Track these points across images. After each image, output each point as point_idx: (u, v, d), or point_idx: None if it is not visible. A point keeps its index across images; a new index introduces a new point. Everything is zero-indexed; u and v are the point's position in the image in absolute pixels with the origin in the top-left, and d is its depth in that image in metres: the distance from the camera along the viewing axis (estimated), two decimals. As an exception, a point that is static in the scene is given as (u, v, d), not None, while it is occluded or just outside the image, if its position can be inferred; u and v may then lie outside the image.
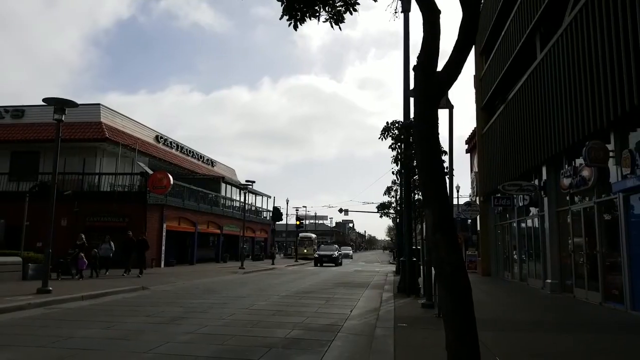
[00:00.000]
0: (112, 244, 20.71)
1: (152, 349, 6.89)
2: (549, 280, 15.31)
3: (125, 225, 26.28)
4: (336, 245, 50.66)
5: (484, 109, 24.36)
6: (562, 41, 13.36)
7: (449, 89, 4.76)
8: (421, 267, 14.79)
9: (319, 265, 38.16)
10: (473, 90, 25.76)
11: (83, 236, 20.01)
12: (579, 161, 12.90)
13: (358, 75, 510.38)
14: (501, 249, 22.89)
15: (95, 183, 28.42)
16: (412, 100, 4.41)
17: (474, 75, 25.69)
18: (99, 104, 30.73)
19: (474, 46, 4.60)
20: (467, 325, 3.78)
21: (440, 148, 4.78)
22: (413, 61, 4.44)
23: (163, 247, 28.29)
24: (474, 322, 3.80)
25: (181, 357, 6.41)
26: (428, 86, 4.27)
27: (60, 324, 8.96)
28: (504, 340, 7.52)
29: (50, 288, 12.88)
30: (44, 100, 13.64)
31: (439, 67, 4.37)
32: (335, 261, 39.42)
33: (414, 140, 4.71)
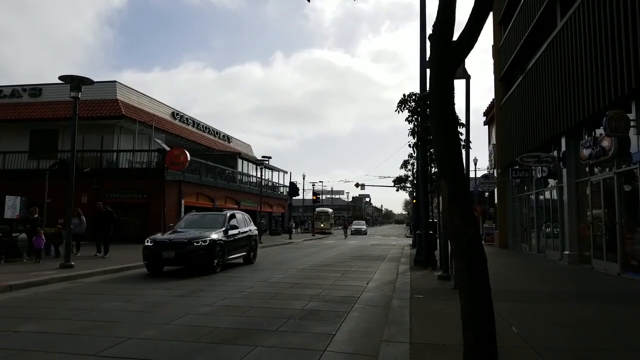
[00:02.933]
0: (83, 218, 17.58)
1: (172, 320, 7.06)
2: (566, 252, 15.22)
3: (145, 201, 26.69)
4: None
5: (502, 80, 23.94)
6: (582, 8, 12.98)
7: (465, 57, 4.67)
8: (437, 239, 14.81)
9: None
10: (491, 62, 25.29)
11: (37, 209, 16.59)
12: (599, 131, 12.66)
13: (372, 49, 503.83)
14: (519, 221, 22.75)
15: (114, 160, 28.74)
16: (428, 71, 4.34)
17: (492, 46, 25.16)
18: (114, 82, 30.88)
19: (492, 15, 4.50)
20: (483, 296, 3.79)
21: (456, 118, 4.72)
22: (429, 32, 4.35)
23: (182, 223, 28.64)
24: (489, 293, 3.81)
25: (201, 328, 6.55)
26: (444, 55, 4.19)
27: (82, 298, 9.20)
28: (520, 310, 7.53)
29: (73, 263, 13.19)
30: (60, 78, 13.74)
31: (455, 36, 4.28)
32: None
33: (430, 111, 4.66)
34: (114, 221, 17.53)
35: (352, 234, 51.98)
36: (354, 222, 68.32)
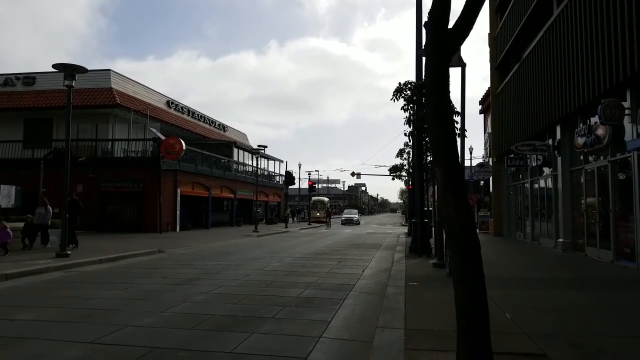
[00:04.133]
0: (49, 208, 16.17)
1: (169, 308, 7.09)
2: (560, 240, 15.34)
3: (141, 190, 26.66)
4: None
5: (498, 68, 23.92)
6: (579, -5, 12.95)
7: (461, 45, 4.67)
8: (432, 228, 14.88)
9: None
10: (487, 51, 25.25)
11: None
12: (594, 120, 12.68)
13: (368, 37, 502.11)
14: (513, 209, 22.88)
15: (109, 149, 28.65)
16: (424, 60, 4.35)
17: (489, 34, 25.10)
18: (109, 70, 30.70)
19: (488, 3, 4.50)
20: (476, 282, 3.82)
21: (451, 106, 4.73)
22: (425, 20, 4.34)
23: (178, 212, 28.68)
24: (483, 278, 3.84)
25: (197, 315, 6.59)
26: (440, 42, 4.19)
27: (79, 286, 9.22)
28: (514, 296, 7.60)
29: (69, 252, 13.20)
30: (53, 66, 13.63)
31: (451, 24, 4.28)
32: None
33: (425, 99, 4.67)
34: (81, 211, 16.61)
35: (343, 225, 48.34)
36: (345, 210, 64.33)
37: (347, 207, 78.16)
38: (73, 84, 13.80)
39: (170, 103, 37.32)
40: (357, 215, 54.95)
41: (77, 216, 16.20)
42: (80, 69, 13.70)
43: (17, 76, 31.85)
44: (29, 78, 31.62)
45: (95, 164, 26.66)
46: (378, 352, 4.73)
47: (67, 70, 13.53)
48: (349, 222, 50.33)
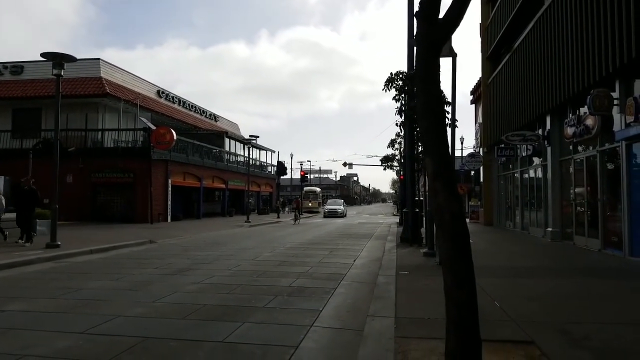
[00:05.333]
0: (1, 198, 14.86)
1: (160, 298, 7.10)
2: (549, 229, 15.49)
3: (132, 180, 26.52)
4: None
5: (489, 58, 23.96)
6: (569, -15, 12.97)
7: (452, 34, 4.68)
8: (423, 217, 14.96)
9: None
10: (479, 41, 25.26)
11: None
12: (584, 110, 12.78)
13: (359, 26, 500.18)
14: (504, 199, 23.05)
15: (99, 139, 28.43)
16: (415, 49, 4.34)
17: (480, 24, 25.10)
18: (98, 59, 30.38)
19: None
20: (465, 270, 3.86)
21: (441, 95, 4.73)
22: (417, 9, 4.33)
23: (169, 202, 28.60)
24: (472, 267, 3.88)
25: (189, 305, 6.60)
26: (430, 31, 4.19)
27: (70, 277, 9.19)
28: (503, 285, 7.68)
29: (59, 243, 13.13)
30: (42, 55, 13.47)
31: (442, 14, 4.28)
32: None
33: (416, 89, 4.67)
34: (38, 202, 14.81)
35: (325, 217, 42.43)
36: (329, 201, 55.82)
37: (331, 197, 70.30)
38: (62, 73, 13.67)
39: (160, 92, 37.05)
40: (342, 207, 46.80)
41: (32, 207, 14.52)
42: (69, 58, 13.56)
43: (5, 65, 31.45)
44: (17, 67, 31.23)
45: (85, 154, 26.46)
46: (369, 341, 4.77)
47: (56, 59, 13.38)
48: (332, 214, 43.46)
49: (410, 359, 4.23)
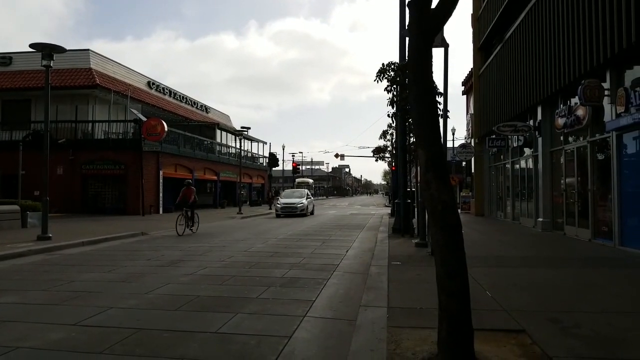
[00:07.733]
0: None
1: (152, 290, 7.09)
2: (540, 219, 15.61)
3: (123, 172, 26.38)
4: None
5: (481, 49, 23.97)
6: (561, -24, 12.98)
7: (444, 24, 4.67)
8: (415, 208, 15.01)
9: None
10: (470, 32, 25.25)
11: None
12: (575, 100, 12.85)
13: (349, 17, 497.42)
14: (495, 189, 23.18)
15: (89, 131, 28.21)
16: (407, 40, 4.32)
17: (472, 15, 25.07)
18: (88, 50, 30.08)
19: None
20: (457, 260, 3.89)
21: (433, 86, 4.74)
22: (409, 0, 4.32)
23: (160, 194, 28.48)
24: (463, 256, 3.91)
25: (182, 296, 6.60)
26: (423, 21, 4.19)
27: (61, 269, 9.15)
28: (494, 274, 7.74)
29: (50, 235, 13.05)
30: (30, 45, 13.31)
31: (434, 4, 4.27)
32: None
33: (408, 79, 4.68)
34: None
35: (278, 216, 27.73)
36: (285, 192, 35.25)
37: (322, 189, 57.71)
38: (51, 64, 13.55)
39: (151, 84, 36.78)
40: (304, 199, 29.21)
41: None
42: (59, 49, 13.42)
43: (-7, 56, 31.06)
44: (5, 58, 30.85)
45: (75, 145, 26.28)
46: (361, 330, 4.80)
47: (45, 50, 13.26)
48: (288, 210, 27.82)
49: (403, 348, 4.26)
